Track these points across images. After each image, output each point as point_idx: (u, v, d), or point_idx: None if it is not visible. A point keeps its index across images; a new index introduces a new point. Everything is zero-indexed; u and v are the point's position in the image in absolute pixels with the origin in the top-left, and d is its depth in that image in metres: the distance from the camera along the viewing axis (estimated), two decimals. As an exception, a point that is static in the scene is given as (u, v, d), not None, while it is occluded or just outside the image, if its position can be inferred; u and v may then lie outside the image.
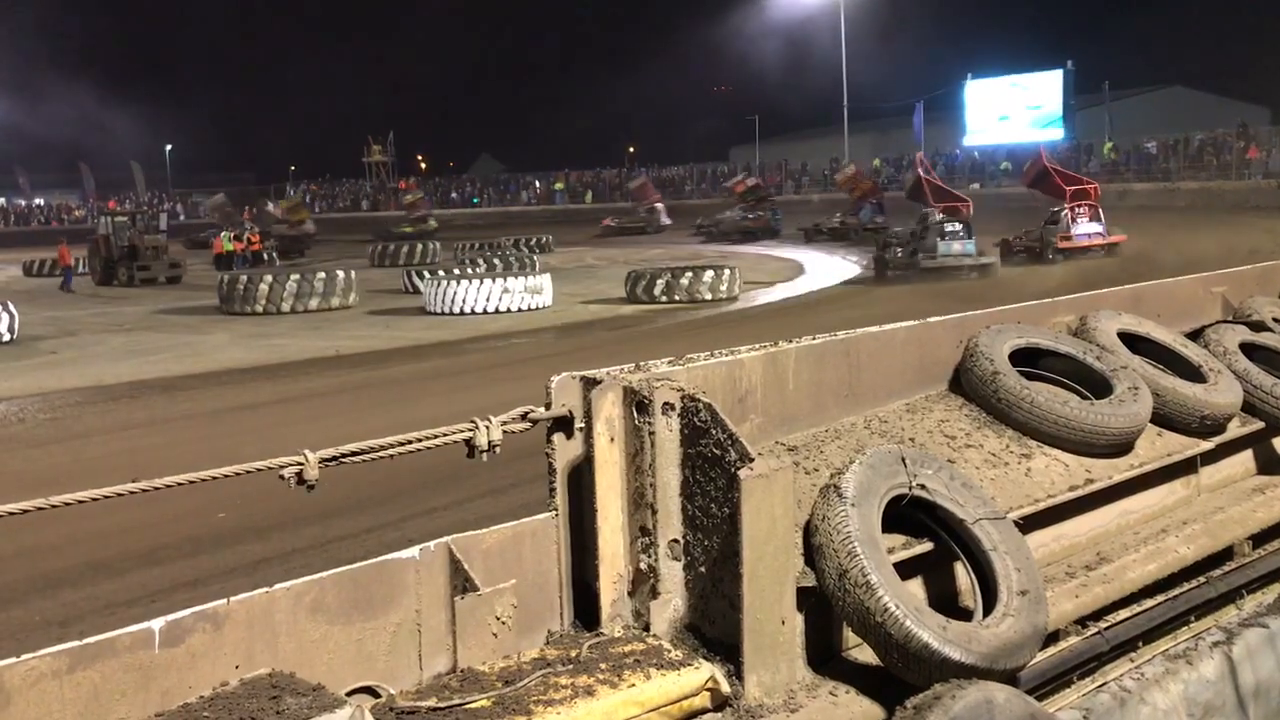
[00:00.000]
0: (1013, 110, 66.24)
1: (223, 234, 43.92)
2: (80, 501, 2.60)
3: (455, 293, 25.08)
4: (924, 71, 75.71)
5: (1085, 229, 29.44)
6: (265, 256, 43.35)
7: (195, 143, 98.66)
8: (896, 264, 28.58)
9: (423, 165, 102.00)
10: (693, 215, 54.95)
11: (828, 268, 34.00)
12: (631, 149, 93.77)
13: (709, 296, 25.75)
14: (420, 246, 43.71)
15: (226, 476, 2.80)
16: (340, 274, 28.10)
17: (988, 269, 27.59)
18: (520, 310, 25.03)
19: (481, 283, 25.47)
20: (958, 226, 27.92)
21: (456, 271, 29.14)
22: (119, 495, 2.64)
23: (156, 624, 2.58)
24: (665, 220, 53.05)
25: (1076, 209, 29.93)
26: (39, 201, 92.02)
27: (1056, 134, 63.59)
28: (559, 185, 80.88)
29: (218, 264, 40.49)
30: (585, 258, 41.74)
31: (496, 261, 33.88)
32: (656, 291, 25.87)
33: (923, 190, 31.81)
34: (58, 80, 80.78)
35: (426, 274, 28.31)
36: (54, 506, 2.55)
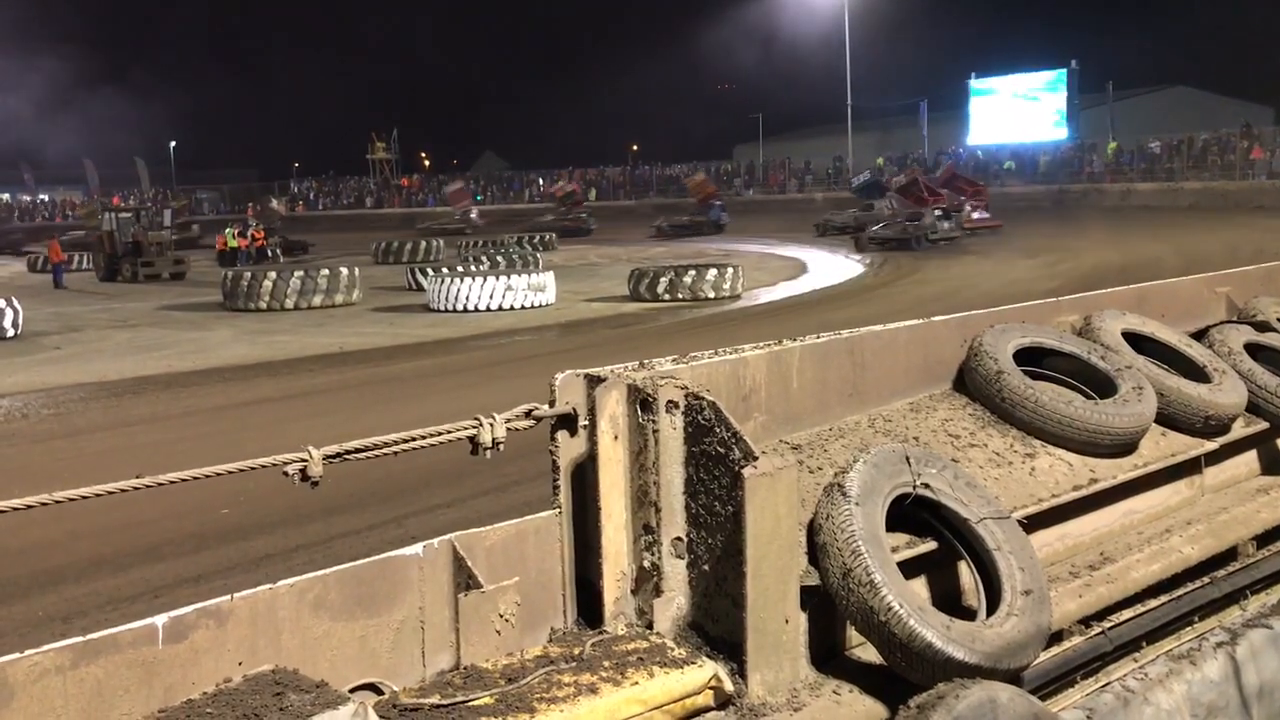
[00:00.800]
0: (1016, 110, 66.18)
1: (227, 230, 43.94)
2: (83, 497, 2.60)
3: (459, 290, 25.08)
4: (928, 70, 75.72)
5: (979, 215, 41.98)
6: (270, 253, 43.36)
7: (199, 139, 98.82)
8: (882, 239, 37.95)
9: (426, 162, 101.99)
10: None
11: (830, 266, 34.00)
12: (635, 147, 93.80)
13: (712, 295, 25.73)
14: (424, 244, 43.72)
15: (230, 473, 2.81)
16: (344, 271, 28.09)
17: (957, 240, 38.29)
18: (523, 308, 25.01)
19: (485, 280, 25.45)
20: (942, 212, 39.18)
21: (460, 269, 29.12)
22: (122, 491, 2.64)
23: (160, 620, 2.58)
24: (479, 222, 58.79)
25: (974, 202, 42.76)
26: (43, 197, 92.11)
27: (1060, 133, 63.54)
28: (561, 183, 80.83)
29: (221, 260, 40.51)
30: (588, 255, 41.71)
31: (500, 259, 33.87)
32: (660, 290, 25.85)
33: (919, 188, 42.82)
34: (62, 76, 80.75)
35: (430, 271, 28.28)
36: (57, 502, 2.55)
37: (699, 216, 51.75)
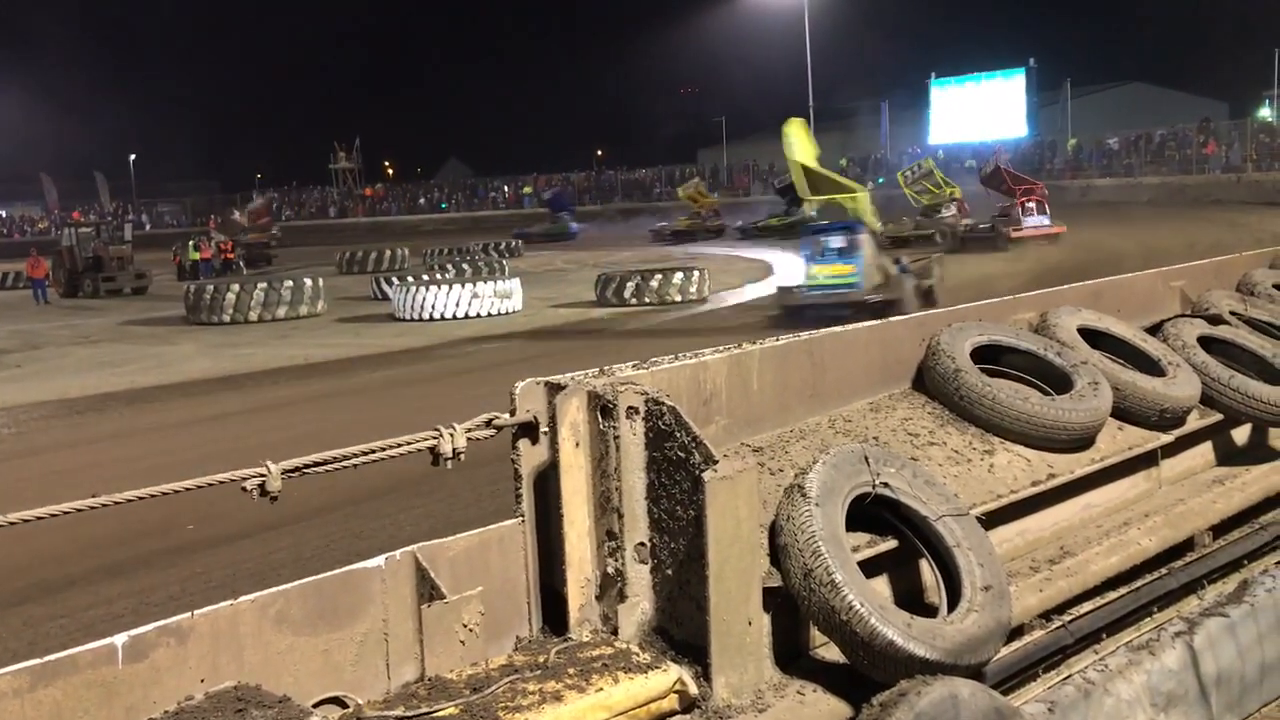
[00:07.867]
0: (975, 109, 66.78)
1: (189, 243, 43.54)
2: (39, 518, 2.58)
3: (424, 298, 24.95)
4: (889, 71, 76.30)
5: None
6: (234, 266, 42.95)
7: (159, 151, 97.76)
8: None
9: (389, 171, 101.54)
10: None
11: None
12: (599, 152, 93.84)
13: (678, 298, 25.76)
14: (389, 253, 43.49)
15: (189, 490, 2.79)
16: (308, 281, 27.89)
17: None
18: (490, 315, 24.90)
19: (450, 288, 25.33)
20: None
21: (425, 277, 28.98)
22: (78, 511, 2.62)
23: (119, 639, 2.56)
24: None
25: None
26: (0, 214, 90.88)
27: (1020, 132, 64.17)
28: (528, 189, 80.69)
29: (181, 274, 40.12)
30: (555, 261, 41.63)
31: (465, 266, 33.75)
32: (626, 294, 25.85)
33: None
34: (18, 90, 79.78)
35: (395, 280, 28.16)
36: (11, 524, 2.53)
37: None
